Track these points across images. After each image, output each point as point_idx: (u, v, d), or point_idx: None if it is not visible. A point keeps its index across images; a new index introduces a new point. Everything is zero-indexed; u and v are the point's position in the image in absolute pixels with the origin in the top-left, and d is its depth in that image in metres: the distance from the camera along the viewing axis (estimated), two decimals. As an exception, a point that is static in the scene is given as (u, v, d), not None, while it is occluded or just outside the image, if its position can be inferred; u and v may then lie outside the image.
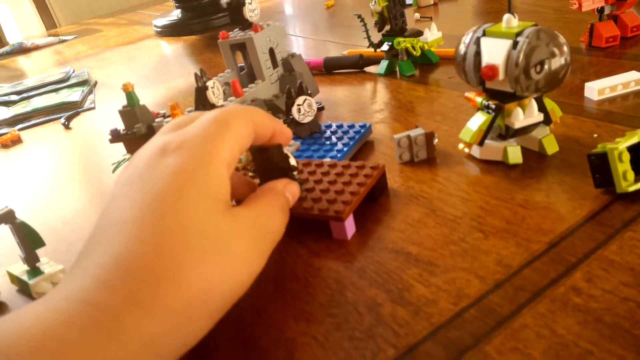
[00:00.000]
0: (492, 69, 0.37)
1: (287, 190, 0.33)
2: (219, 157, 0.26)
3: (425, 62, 0.67)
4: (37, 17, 2.11)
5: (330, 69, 0.72)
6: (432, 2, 0.96)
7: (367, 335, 0.28)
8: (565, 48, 0.37)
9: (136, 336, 0.21)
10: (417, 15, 0.90)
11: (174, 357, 0.24)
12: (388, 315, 0.29)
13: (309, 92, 0.48)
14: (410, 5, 0.99)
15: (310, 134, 0.49)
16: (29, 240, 0.39)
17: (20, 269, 0.40)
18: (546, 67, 0.37)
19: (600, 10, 0.59)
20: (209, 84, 0.49)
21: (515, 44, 0.37)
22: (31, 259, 0.39)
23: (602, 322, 0.26)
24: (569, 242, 0.31)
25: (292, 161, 0.36)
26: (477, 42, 0.39)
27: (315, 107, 0.47)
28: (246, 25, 0.56)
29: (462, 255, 0.32)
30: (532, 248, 0.31)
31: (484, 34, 0.39)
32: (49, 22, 2.11)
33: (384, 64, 0.67)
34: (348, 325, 0.29)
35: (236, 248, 0.26)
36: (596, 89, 0.47)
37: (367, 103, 0.59)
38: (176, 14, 1.29)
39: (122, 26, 1.61)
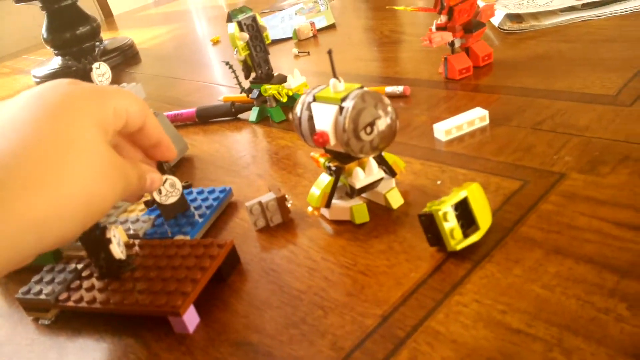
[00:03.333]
0: (323, 135, 0.37)
1: (149, 176, 0.35)
2: (110, 98, 0.30)
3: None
4: None
5: (203, 119, 0.70)
6: (311, 35, 0.97)
7: None
8: (389, 108, 0.37)
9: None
10: (295, 50, 0.90)
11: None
12: None
13: (172, 170, 0.45)
14: (290, 38, 0.99)
15: (175, 215, 0.46)
16: None
17: None
18: (375, 128, 0.37)
19: (452, 44, 0.61)
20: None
21: (341, 110, 0.37)
22: None
23: (420, 409, 0.25)
24: (400, 314, 0.31)
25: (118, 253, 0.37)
26: (309, 107, 0.39)
27: (179, 186, 0.45)
28: (93, 93, 0.53)
29: (299, 341, 0.31)
30: (365, 324, 0.31)
31: (314, 99, 0.39)
32: None
33: (255, 111, 0.66)
34: None
35: (100, 168, 0.28)
36: (443, 131, 0.49)
37: (235, 157, 0.58)
38: (56, 61, 1.23)
39: (3, 76, 1.51)
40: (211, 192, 0.49)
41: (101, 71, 0.54)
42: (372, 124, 0.37)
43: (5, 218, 0.23)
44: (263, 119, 0.66)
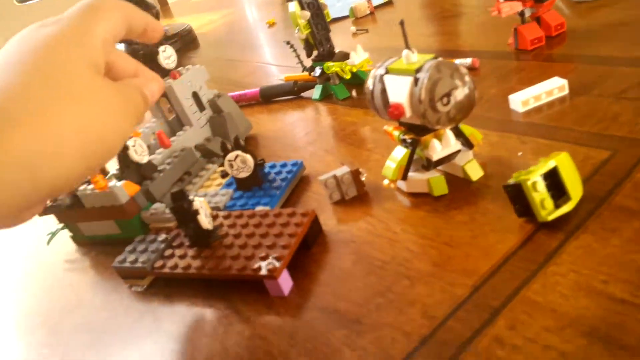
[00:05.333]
0: (398, 107, 0.37)
1: (147, 89, 0.31)
2: (94, 32, 0.27)
3: (359, 83, 0.66)
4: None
5: (266, 98, 0.71)
6: (368, 12, 0.95)
7: (293, 416, 0.27)
8: (466, 78, 0.36)
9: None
10: (353, 28, 0.89)
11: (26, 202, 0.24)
12: (314, 389, 0.28)
13: (243, 146, 0.46)
14: (347, 17, 0.98)
15: (250, 189, 0.47)
16: None
17: None
18: (452, 98, 0.36)
19: (522, 14, 0.59)
20: (130, 143, 0.47)
21: (416, 81, 0.36)
22: None
23: (522, 375, 0.25)
24: (492, 284, 0.31)
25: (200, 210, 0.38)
26: (382, 80, 0.39)
27: (251, 163, 0.46)
28: (164, 73, 0.55)
29: (387, 309, 0.31)
30: (456, 294, 0.31)
31: (386, 72, 0.38)
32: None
33: (318, 89, 0.66)
34: (274, 405, 0.28)
35: (96, 103, 0.26)
36: (520, 101, 0.47)
37: (301, 134, 0.58)
38: (121, 46, 1.26)
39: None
40: (283, 165, 0.49)
41: (167, 54, 0.56)
42: (448, 95, 0.36)
43: None
44: (326, 96, 0.66)
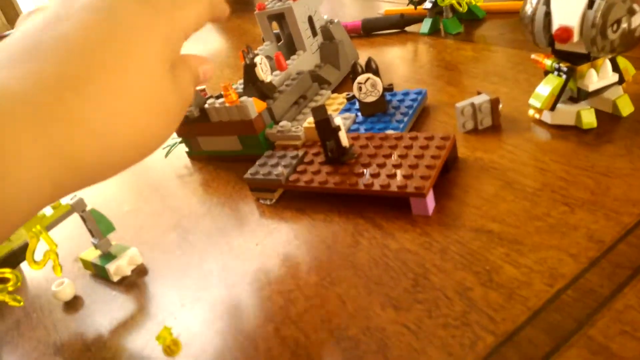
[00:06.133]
0: (567, 30, 0.35)
1: (201, 71, 0.28)
2: (181, 24, 0.25)
3: (471, 18, 0.63)
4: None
5: (369, 31, 0.70)
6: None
7: (462, 322, 0.27)
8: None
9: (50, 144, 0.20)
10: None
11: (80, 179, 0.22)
12: (480, 299, 0.28)
13: (375, 69, 0.45)
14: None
15: (373, 113, 0.47)
16: (100, 227, 0.39)
17: (92, 254, 0.40)
18: (624, 25, 0.34)
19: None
20: (257, 60, 0.47)
21: (591, 3, 0.34)
22: (104, 244, 0.40)
23: None
24: (664, 214, 0.30)
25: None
26: (547, 2, 0.37)
27: (380, 87, 0.45)
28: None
29: (549, 232, 0.31)
30: (623, 221, 0.30)
31: (554, -8, 0.36)
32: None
33: (427, 22, 0.64)
34: (439, 311, 0.28)
35: (157, 103, 0.24)
36: (669, 39, 0.44)
37: (414, 66, 0.57)
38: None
39: None
40: (406, 94, 0.48)
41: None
42: (620, 21, 0.34)
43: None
44: (434, 31, 0.64)
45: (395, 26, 0.68)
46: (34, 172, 0.20)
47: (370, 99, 0.46)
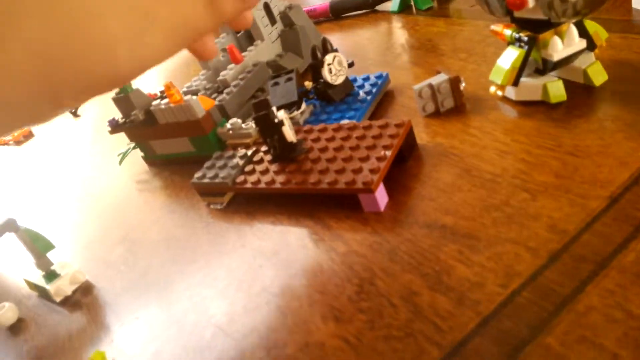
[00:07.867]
0: (521, -6, 0.31)
1: None
2: None
3: (442, -9, 0.59)
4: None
5: (338, 13, 0.66)
6: None
7: (405, 333, 0.24)
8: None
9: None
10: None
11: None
12: (427, 306, 0.25)
13: (335, 48, 0.42)
14: None
15: (344, 96, 0.43)
16: (38, 245, 0.37)
17: (36, 275, 0.38)
18: (586, -17, 0.31)
19: None
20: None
21: (546, -40, 0.30)
22: (44, 264, 0.37)
23: (689, 296, 0.21)
24: (633, 194, 0.26)
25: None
26: (500, -35, 0.33)
27: (345, 63, 0.42)
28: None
29: (506, 223, 0.28)
30: (589, 206, 0.27)
31: (506, -46, 0.33)
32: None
33: (396, 0, 0.60)
34: (382, 321, 0.25)
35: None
36: (647, -3, 0.40)
37: (382, 47, 0.54)
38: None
39: None
40: (366, 79, 0.45)
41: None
42: (580, -21, 0.31)
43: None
44: (405, 8, 0.60)
45: (365, 6, 0.64)
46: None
47: (340, 79, 0.43)
